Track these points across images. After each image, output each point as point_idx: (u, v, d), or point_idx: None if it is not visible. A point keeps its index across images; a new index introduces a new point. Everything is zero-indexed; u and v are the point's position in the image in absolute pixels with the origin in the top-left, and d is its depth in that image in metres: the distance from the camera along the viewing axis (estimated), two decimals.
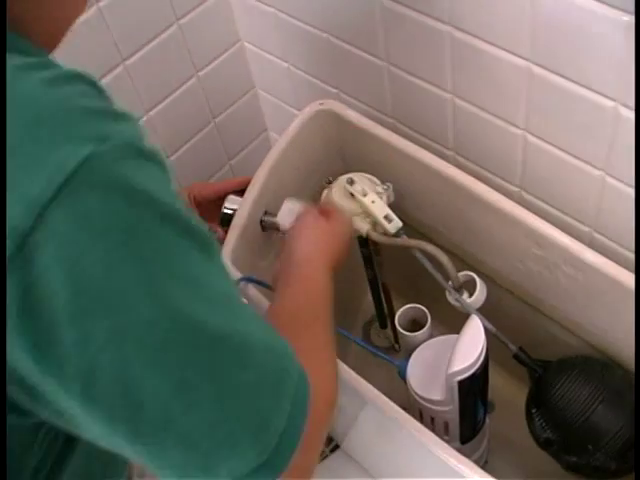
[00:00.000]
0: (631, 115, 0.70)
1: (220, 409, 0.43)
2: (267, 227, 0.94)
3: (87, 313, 0.38)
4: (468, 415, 0.88)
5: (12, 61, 0.40)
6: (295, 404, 0.47)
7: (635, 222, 0.78)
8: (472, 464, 0.73)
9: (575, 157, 0.80)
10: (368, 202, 0.87)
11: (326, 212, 0.82)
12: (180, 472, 0.44)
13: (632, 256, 0.84)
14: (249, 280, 0.85)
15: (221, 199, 0.93)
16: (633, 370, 0.86)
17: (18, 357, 0.39)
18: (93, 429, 0.42)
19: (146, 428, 0.42)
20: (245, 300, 0.84)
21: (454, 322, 0.86)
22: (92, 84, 0.42)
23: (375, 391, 0.79)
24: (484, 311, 0.84)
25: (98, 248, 0.38)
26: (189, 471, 0.44)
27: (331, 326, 0.63)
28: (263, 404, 0.45)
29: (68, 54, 0.51)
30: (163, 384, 0.41)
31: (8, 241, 0.37)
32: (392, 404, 0.78)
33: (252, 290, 0.84)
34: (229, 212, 0.92)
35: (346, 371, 0.80)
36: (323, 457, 1.12)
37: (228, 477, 0.44)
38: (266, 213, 0.93)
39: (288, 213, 0.90)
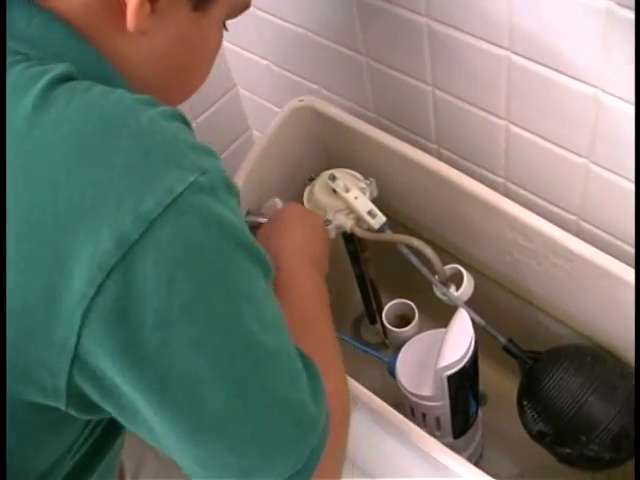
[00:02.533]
0: (612, 101, 0.69)
1: (267, 419, 0.48)
2: (250, 227, 0.93)
3: (173, 321, 0.43)
4: (459, 409, 0.88)
5: (133, 96, 0.47)
6: (325, 419, 0.52)
7: (635, 216, 0.77)
8: (463, 460, 0.72)
9: (558, 145, 0.80)
10: (351, 198, 0.86)
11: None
12: (221, 478, 0.48)
13: (619, 243, 0.83)
14: None
15: None
16: (624, 359, 0.85)
17: (101, 355, 0.43)
18: (153, 425, 0.47)
19: (203, 429, 0.46)
20: None
21: (443, 316, 0.86)
22: (187, 123, 0.49)
23: (365, 390, 0.78)
24: (472, 304, 0.84)
25: (192, 265, 0.43)
26: (229, 477, 0.48)
27: (331, 324, 0.67)
28: (304, 419, 0.50)
29: None
30: (225, 391, 0.46)
31: (114, 249, 0.41)
32: (382, 402, 0.77)
33: None
34: None
35: None
36: None
37: None
38: (249, 213, 0.92)
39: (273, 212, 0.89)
